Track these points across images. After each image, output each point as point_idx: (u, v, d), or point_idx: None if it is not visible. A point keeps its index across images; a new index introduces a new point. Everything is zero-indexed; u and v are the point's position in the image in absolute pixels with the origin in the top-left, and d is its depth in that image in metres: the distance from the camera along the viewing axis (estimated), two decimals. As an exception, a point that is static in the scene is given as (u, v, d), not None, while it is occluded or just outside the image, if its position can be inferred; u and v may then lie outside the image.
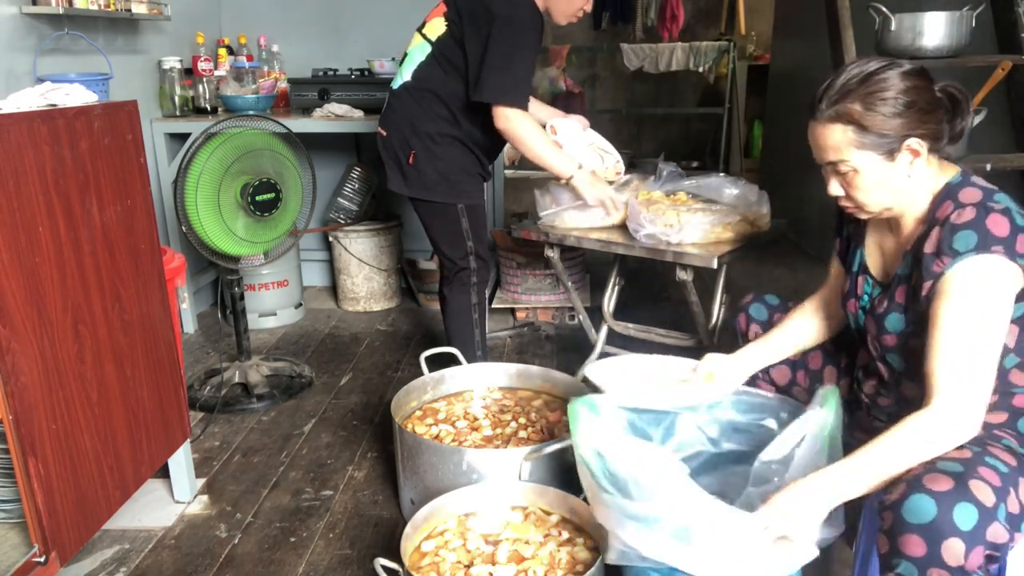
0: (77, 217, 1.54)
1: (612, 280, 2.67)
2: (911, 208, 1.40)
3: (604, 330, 2.69)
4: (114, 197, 1.67)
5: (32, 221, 1.42)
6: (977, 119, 2.13)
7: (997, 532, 1.14)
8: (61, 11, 2.47)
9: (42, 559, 1.45)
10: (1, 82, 2.36)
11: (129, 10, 2.79)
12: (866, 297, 1.50)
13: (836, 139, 1.35)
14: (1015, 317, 1.30)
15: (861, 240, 1.55)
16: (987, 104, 2.14)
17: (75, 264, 1.54)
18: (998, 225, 1.26)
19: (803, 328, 1.69)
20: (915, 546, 1.15)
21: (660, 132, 7.07)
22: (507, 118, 2.16)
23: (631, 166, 3.48)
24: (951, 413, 1.24)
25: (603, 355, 2.70)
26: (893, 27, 2.23)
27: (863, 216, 1.45)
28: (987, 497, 1.15)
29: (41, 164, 1.44)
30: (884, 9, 2.23)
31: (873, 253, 1.52)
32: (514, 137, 2.20)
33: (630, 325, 2.64)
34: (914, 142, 1.32)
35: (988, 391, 1.25)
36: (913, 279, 1.37)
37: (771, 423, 1.61)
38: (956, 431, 1.24)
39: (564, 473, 1.78)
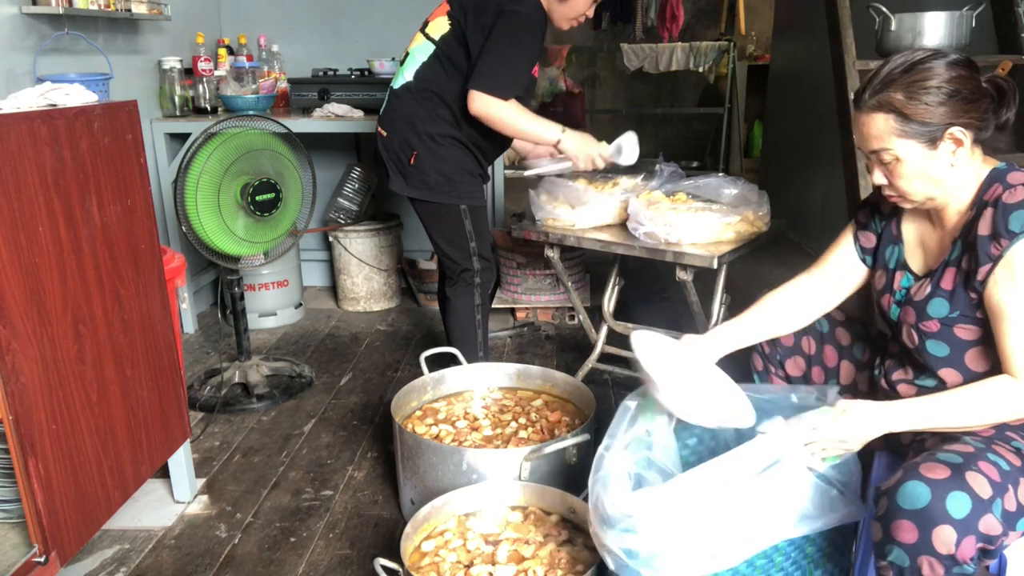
0: (77, 217, 1.54)
1: (612, 280, 2.67)
2: (955, 198, 1.40)
3: (604, 330, 2.69)
4: (114, 197, 1.67)
5: (32, 221, 1.42)
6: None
7: (990, 524, 1.15)
8: (61, 11, 2.47)
9: (42, 559, 1.45)
10: (1, 82, 2.36)
11: (129, 10, 2.79)
12: (902, 291, 1.49)
13: (879, 128, 1.36)
14: None
15: (895, 238, 1.55)
16: (987, 104, 2.14)
17: (75, 264, 1.54)
18: None
19: (782, 312, 1.65)
20: (907, 532, 1.16)
21: (660, 132, 7.08)
22: (480, 102, 2.13)
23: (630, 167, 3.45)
24: None
25: (603, 356, 2.70)
26: (893, 27, 2.23)
27: (906, 205, 1.44)
28: (983, 489, 1.16)
29: (41, 164, 1.44)
30: (884, 9, 2.23)
31: (914, 250, 1.52)
32: (489, 118, 2.16)
33: (630, 325, 2.64)
34: (957, 131, 1.32)
35: None
36: (964, 264, 1.36)
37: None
38: None
39: (564, 473, 1.78)
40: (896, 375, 1.52)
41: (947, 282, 1.39)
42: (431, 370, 2.17)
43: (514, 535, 1.61)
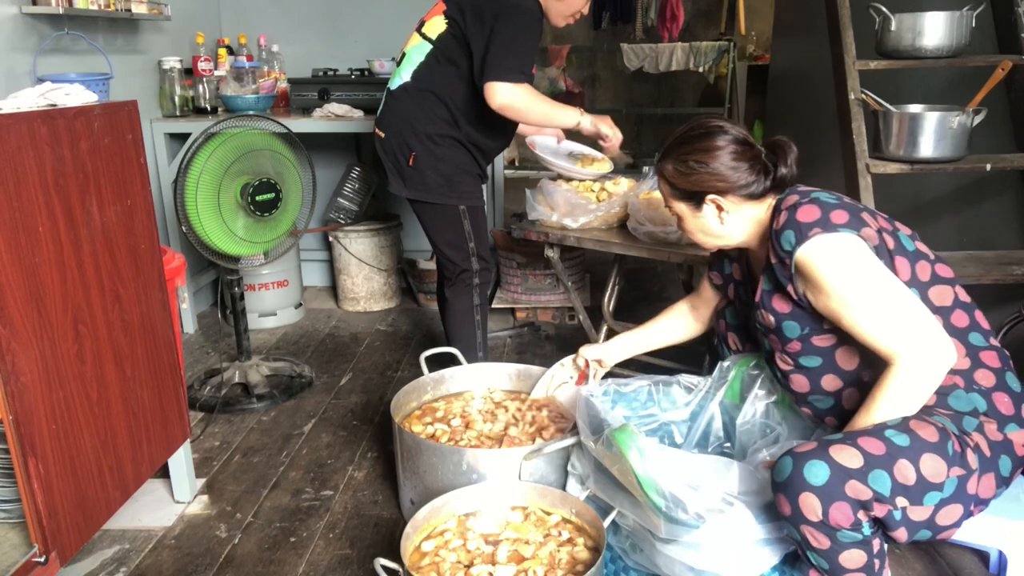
0: (77, 217, 1.54)
1: (612, 280, 2.67)
2: (752, 238, 1.54)
3: (604, 330, 2.69)
4: (114, 197, 1.67)
5: (32, 221, 1.42)
6: (977, 119, 2.13)
7: (859, 490, 1.20)
8: (61, 11, 2.47)
9: (42, 559, 1.45)
10: (1, 82, 2.36)
11: (129, 10, 2.79)
12: (760, 324, 1.57)
13: (661, 189, 1.61)
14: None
15: (749, 276, 1.67)
16: (987, 104, 2.14)
17: (75, 264, 1.54)
18: (807, 214, 1.38)
19: (673, 327, 1.95)
20: (783, 505, 1.25)
21: (660, 132, 7.08)
22: (502, 92, 2.10)
23: (631, 166, 3.48)
24: (922, 355, 1.29)
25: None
26: (893, 27, 2.23)
27: (706, 248, 1.64)
28: (851, 460, 1.21)
29: (41, 164, 1.44)
30: (884, 9, 2.23)
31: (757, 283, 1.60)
32: (513, 107, 2.13)
33: (630, 325, 2.63)
34: (716, 198, 1.49)
35: (925, 317, 1.32)
36: (777, 287, 1.47)
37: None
38: (938, 364, 1.30)
39: (564, 473, 1.78)
40: (798, 399, 1.57)
41: (781, 305, 1.47)
42: (431, 370, 2.17)
43: (514, 535, 1.61)
